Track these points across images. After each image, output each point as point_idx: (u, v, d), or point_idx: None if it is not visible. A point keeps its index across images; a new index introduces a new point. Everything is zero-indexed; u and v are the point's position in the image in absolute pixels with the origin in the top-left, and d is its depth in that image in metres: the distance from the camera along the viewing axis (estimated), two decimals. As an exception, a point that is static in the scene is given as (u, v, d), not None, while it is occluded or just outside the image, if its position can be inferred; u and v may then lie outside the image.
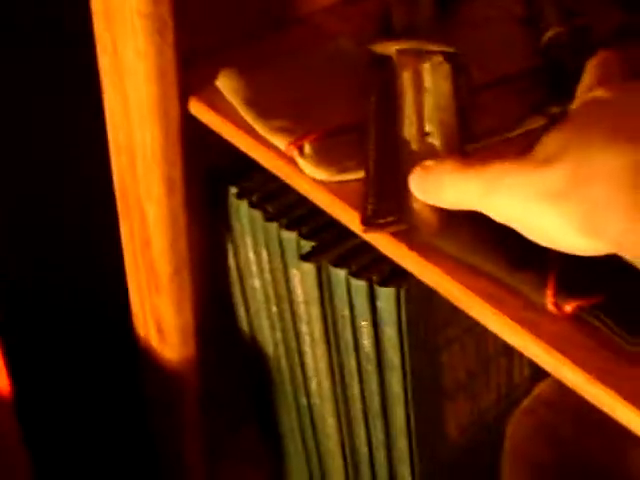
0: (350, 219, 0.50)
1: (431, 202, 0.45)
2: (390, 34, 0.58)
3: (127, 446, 0.79)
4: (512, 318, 0.45)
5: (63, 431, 0.76)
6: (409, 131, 0.51)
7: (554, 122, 0.54)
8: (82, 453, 0.77)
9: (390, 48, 0.57)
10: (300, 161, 0.52)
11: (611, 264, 0.45)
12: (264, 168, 0.63)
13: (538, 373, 0.72)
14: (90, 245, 0.70)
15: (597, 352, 0.44)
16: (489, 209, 0.43)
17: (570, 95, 0.53)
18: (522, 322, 0.45)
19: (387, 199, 0.49)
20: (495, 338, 0.68)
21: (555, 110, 0.54)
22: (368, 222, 0.48)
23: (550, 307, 0.45)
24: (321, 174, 0.52)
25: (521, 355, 0.69)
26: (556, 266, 0.46)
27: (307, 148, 0.53)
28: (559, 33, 0.58)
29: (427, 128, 0.51)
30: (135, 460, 0.79)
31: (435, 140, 0.50)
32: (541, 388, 0.73)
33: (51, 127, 0.66)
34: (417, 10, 0.59)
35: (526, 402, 0.73)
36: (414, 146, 0.50)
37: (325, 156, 0.52)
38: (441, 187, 0.45)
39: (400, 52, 0.56)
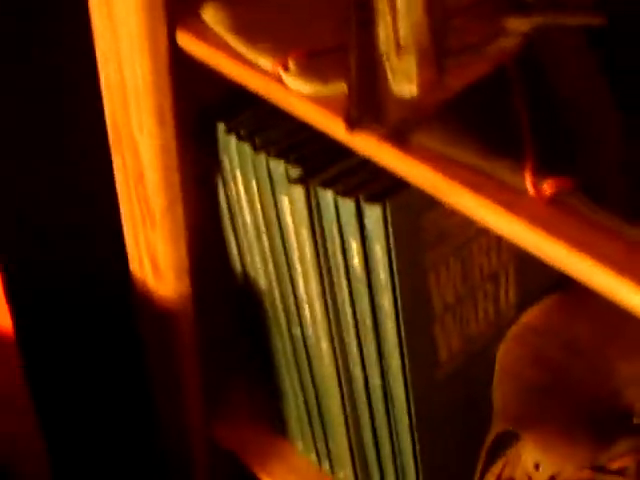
0: (334, 127, 0.53)
1: None
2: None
3: (123, 391, 0.81)
4: (491, 200, 0.48)
5: (63, 372, 0.78)
6: (386, 46, 0.54)
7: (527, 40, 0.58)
8: (80, 393, 0.79)
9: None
10: (285, 77, 0.55)
11: (588, 146, 0.49)
12: (251, 105, 0.66)
13: (524, 300, 0.74)
14: (84, 182, 0.72)
15: (576, 228, 0.46)
16: None
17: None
18: (501, 203, 0.47)
19: (369, 104, 0.52)
20: (481, 263, 0.71)
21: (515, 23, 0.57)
22: (352, 123, 0.51)
23: (529, 189, 0.48)
24: (305, 87, 0.54)
25: (507, 281, 0.73)
26: (534, 150, 0.49)
27: (292, 65, 0.55)
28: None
29: (402, 43, 0.54)
30: (131, 406, 0.81)
31: (411, 54, 0.53)
32: (528, 315, 0.76)
33: (42, 65, 0.68)
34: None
35: (514, 329, 0.75)
36: (391, 60, 0.53)
37: (309, 72, 0.55)
38: None
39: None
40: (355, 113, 0.51)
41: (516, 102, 0.52)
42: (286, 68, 0.55)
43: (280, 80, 0.55)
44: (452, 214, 0.64)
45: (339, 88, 0.54)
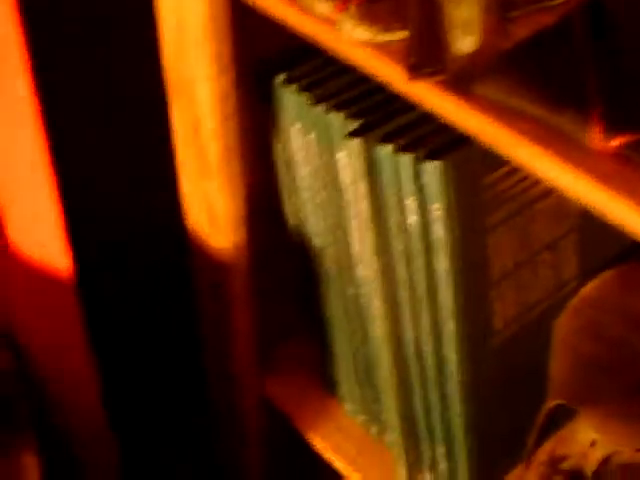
0: (393, 76, 0.51)
1: None
2: None
3: (175, 343, 0.81)
4: (554, 154, 0.46)
5: (118, 320, 0.79)
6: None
7: None
8: (134, 345, 0.80)
9: None
10: (345, 23, 0.53)
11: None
12: (309, 59, 0.65)
13: (587, 272, 0.72)
14: (140, 134, 0.71)
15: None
16: None
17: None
18: (565, 157, 0.45)
19: (430, 52, 0.50)
20: (542, 229, 0.69)
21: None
22: (412, 71, 0.49)
23: (595, 143, 0.45)
24: (365, 33, 0.53)
25: (568, 251, 0.70)
26: (600, 104, 0.46)
27: (352, 10, 0.54)
28: None
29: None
30: (183, 359, 0.81)
31: (473, 3, 0.51)
32: (587, 288, 0.73)
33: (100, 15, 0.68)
34: None
35: (574, 301, 0.73)
36: (453, 8, 0.51)
37: (369, 17, 0.53)
38: None
39: None
40: (416, 60, 0.49)
41: (582, 53, 0.49)
42: (346, 13, 0.53)
43: (337, 26, 0.54)
44: (514, 175, 0.62)
45: (399, 35, 0.52)
